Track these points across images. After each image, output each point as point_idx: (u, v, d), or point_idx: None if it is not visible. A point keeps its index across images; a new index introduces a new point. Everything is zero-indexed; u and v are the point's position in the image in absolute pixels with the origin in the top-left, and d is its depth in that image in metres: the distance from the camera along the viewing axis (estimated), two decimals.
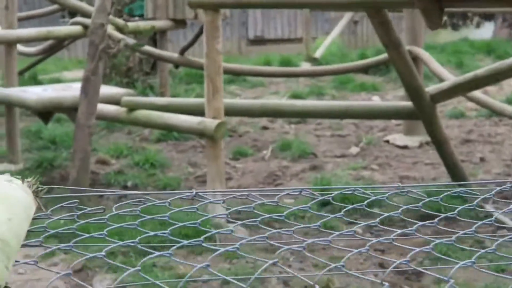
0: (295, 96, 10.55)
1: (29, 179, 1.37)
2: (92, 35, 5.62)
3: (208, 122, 5.46)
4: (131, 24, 8.88)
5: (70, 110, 6.40)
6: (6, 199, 1.21)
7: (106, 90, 6.26)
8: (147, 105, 5.99)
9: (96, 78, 5.59)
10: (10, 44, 7.35)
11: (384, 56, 7.33)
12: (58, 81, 10.34)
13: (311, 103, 7.43)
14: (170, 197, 1.68)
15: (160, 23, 9.58)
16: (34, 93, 6.44)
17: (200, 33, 7.87)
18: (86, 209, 1.60)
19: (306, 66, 12.20)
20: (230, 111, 5.96)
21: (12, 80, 7.30)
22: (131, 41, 7.91)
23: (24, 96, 6.41)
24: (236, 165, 7.39)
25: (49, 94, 6.38)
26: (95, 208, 1.61)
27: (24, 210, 1.23)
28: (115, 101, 6.30)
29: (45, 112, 6.77)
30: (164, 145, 8.19)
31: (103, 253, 1.33)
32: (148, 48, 8.46)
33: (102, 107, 5.97)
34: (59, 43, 9.02)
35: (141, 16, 10.84)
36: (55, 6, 11.10)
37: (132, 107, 5.98)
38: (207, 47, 5.50)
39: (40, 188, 1.36)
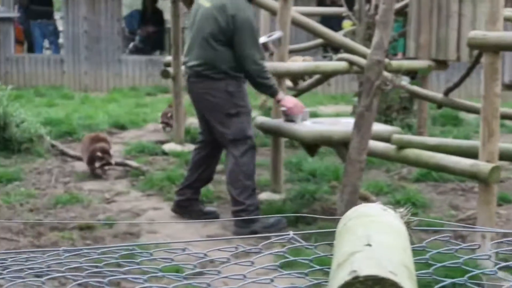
0: None
1: (401, 210, 1.36)
2: (368, 71, 5.66)
3: (482, 166, 5.31)
4: (394, 63, 8.88)
5: (338, 144, 6.48)
6: (394, 228, 1.21)
7: (374, 126, 6.27)
8: (417, 144, 5.93)
9: (370, 114, 5.62)
10: (279, 76, 7.57)
11: None
12: (315, 115, 10.53)
13: None
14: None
15: (421, 63, 9.51)
16: (304, 126, 6.57)
17: (466, 74, 7.72)
18: None
19: None
20: (504, 156, 5.76)
21: (280, 111, 7.50)
22: (406, 79, 7.90)
23: (295, 128, 6.56)
24: (499, 211, 7.14)
25: (319, 127, 6.49)
26: None
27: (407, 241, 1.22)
28: (382, 138, 6.30)
29: (313, 145, 6.90)
30: (423, 185, 8.09)
31: None
32: (414, 87, 8.42)
33: (371, 144, 5.98)
34: (325, 79, 9.19)
35: (394, 55, 10.84)
36: (317, 41, 11.36)
37: (402, 145, 5.95)
38: (485, 89, 5.37)
39: (411, 220, 1.35)
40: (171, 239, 5.95)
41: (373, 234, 1.13)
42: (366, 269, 1.03)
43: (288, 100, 6.76)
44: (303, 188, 7.44)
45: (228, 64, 6.37)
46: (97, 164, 8.30)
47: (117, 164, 8.99)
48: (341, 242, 1.15)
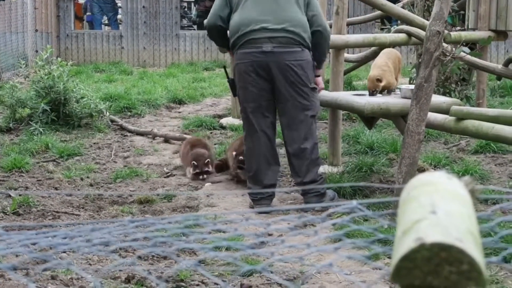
0: None
1: (466, 178, 1.34)
2: (427, 42, 5.59)
3: None
4: (454, 34, 8.76)
5: (396, 116, 6.42)
6: (459, 196, 1.20)
7: (432, 98, 6.20)
8: (476, 115, 5.85)
9: (428, 85, 5.56)
10: (338, 49, 7.53)
11: None
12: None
13: None
14: None
15: (481, 34, 9.37)
16: (363, 98, 6.53)
17: None
18: None
19: None
20: None
21: (337, 84, 7.47)
22: (466, 50, 7.79)
23: (353, 100, 6.52)
24: None
25: (378, 100, 6.43)
26: None
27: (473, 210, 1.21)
28: (440, 110, 6.22)
29: (370, 117, 6.86)
30: (482, 157, 7.99)
31: None
32: (473, 58, 8.29)
33: (429, 115, 5.91)
34: (380, 51, 9.09)
35: (453, 26, 10.67)
36: (375, 13, 11.26)
37: (461, 117, 5.87)
38: None
39: (475, 188, 1.33)
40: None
41: (438, 202, 1.12)
42: (432, 236, 1.03)
43: (321, 81, 6.69)
44: (360, 160, 7.41)
45: (307, 28, 6.29)
46: (191, 171, 7.43)
47: (175, 138, 9.06)
48: (406, 210, 1.14)
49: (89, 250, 1.27)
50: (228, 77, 6.79)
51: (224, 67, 7.28)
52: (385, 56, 7.03)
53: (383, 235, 1.28)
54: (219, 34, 6.51)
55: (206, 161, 7.42)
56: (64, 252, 4.33)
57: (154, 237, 1.26)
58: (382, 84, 6.72)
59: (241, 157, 6.89)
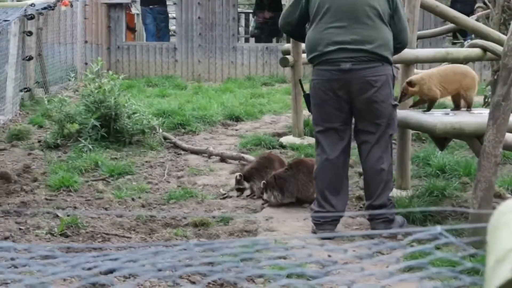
0: None
1: None
2: (505, 57, 5.54)
3: None
4: None
5: (471, 137, 6.35)
6: None
7: (511, 118, 6.13)
8: None
9: (507, 104, 5.50)
10: (408, 64, 7.49)
11: None
12: (443, 106, 10.36)
13: None
14: None
15: None
16: (434, 117, 6.48)
17: None
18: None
19: None
20: None
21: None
22: None
23: (424, 119, 6.47)
24: None
25: (451, 119, 6.38)
26: None
27: None
28: None
29: (442, 138, 6.79)
30: None
31: None
32: None
33: (507, 136, 5.85)
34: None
35: None
36: (447, 26, 11.17)
37: None
38: None
39: None
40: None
41: None
42: None
43: None
44: (431, 184, 7.34)
45: (391, 45, 6.30)
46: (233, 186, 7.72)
47: (231, 158, 9.10)
48: (497, 238, 1.13)
49: (155, 274, 1.28)
50: (304, 91, 6.90)
51: (300, 81, 7.39)
52: (437, 70, 7.02)
53: (471, 263, 1.27)
54: (292, 36, 6.86)
55: (249, 178, 7.67)
56: (127, 277, 4.36)
57: (222, 262, 1.27)
58: (413, 89, 6.70)
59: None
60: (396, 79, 6.54)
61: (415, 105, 7.08)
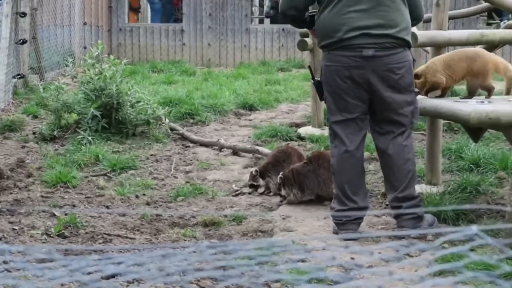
0: None
1: None
2: None
3: None
4: None
5: (508, 127, 6.32)
6: None
7: None
8: None
9: None
10: (439, 47, 7.46)
11: None
12: (478, 93, 10.33)
13: None
14: None
15: None
16: (468, 106, 6.45)
17: None
18: None
19: None
20: None
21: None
22: None
23: (456, 108, 6.44)
24: None
25: (486, 108, 6.35)
26: None
27: None
28: None
29: (477, 128, 6.77)
30: None
31: None
32: None
33: None
34: (490, 49, 9.00)
35: None
36: (481, 5, 11.14)
37: None
38: None
39: None
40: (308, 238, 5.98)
41: None
42: None
43: None
44: (464, 179, 7.32)
45: (410, 27, 6.32)
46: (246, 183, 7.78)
47: (245, 151, 9.10)
48: None
49: (162, 279, 1.28)
50: (314, 78, 6.78)
51: (309, 67, 7.28)
52: (443, 56, 6.96)
53: (509, 267, 1.26)
54: (292, 22, 6.65)
55: (264, 174, 7.70)
56: (131, 282, 4.38)
57: (235, 266, 1.27)
58: (419, 81, 6.67)
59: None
60: (416, 63, 6.53)
61: (426, 93, 7.03)
